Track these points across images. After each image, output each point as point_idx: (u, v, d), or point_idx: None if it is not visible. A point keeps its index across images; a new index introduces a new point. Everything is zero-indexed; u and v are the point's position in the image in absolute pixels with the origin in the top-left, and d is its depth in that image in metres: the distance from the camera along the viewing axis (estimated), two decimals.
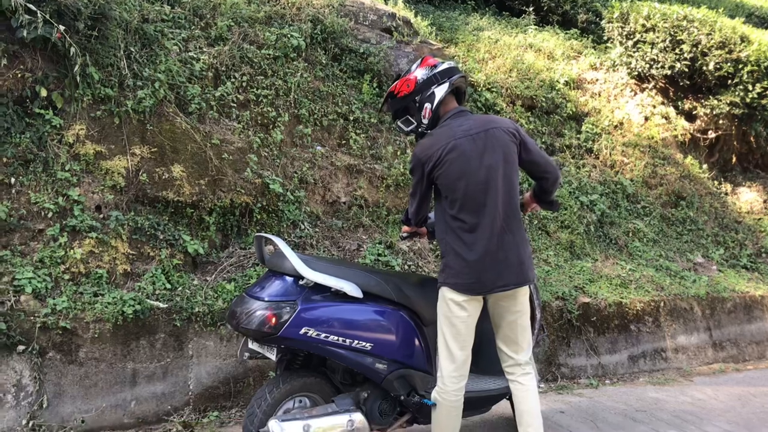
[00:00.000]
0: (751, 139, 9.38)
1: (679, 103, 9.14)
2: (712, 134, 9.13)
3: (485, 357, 3.46)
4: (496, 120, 3.12)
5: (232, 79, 5.68)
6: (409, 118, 3.24)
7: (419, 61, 3.28)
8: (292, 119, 5.91)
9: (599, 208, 7.38)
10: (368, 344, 3.15)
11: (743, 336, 6.84)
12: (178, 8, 5.89)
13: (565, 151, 7.97)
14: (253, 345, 3.23)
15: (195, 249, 4.65)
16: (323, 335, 3.04)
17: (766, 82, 8.34)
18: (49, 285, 3.94)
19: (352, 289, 3.16)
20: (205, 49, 5.70)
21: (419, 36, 7.74)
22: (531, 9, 10.20)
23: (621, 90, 9.26)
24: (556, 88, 8.52)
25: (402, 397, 3.27)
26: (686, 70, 8.59)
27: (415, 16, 8.44)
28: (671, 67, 8.64)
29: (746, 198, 9.20)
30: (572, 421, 4.40)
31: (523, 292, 3.05)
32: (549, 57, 9.23)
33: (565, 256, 6.67)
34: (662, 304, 6.34)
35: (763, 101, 8.42)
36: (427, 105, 3.14)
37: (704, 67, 8.50)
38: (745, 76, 8.38)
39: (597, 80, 9.29)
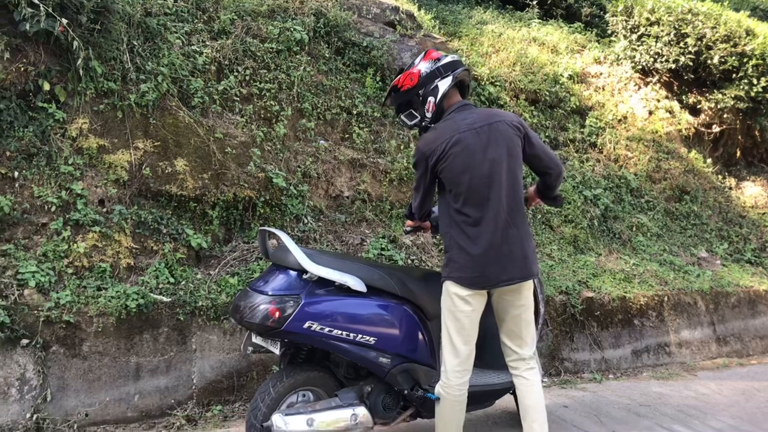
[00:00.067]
0: (756, 133, 9.35)
1: (684, 97, 9.10)
2: (716, 128, 9.09)
3: (489, 351, 3.45)
4: (500, 114, 3.10)
5: (235, 73, 5.67)
6: (413, 111, 3.23)
7: (423, 54, 3.27)
8: (295, 113, 5.90)
9: (603, 203, 7.36)
10: (372, 338, 3.14)
11: (747, 331, 6.83)
12: (181, 1, 5.86)
13: (568, 145, 7.94)
14: (256, 339, 3.23)
15: (198, 243, 4.64)
16: (327, 329, 3.03)
17: None
18: (52, 279, 3.94)
19: (355, 284, 3.15)
20: (208, 43, 5.68)
21: (422, 29, 7.71)
22: (535, 2, 10.15)
23: (625, 84, 9.22)
24: (560, 82, 8.49)
25: (406, 392, 3.27)
26: (691, 63, 8.55)
27: (419, 9, 8.41)
28: (675, 61, 8.59)
29: (750, 192, 9.16)
30: (576, 416, 4.40)
31: (528, 287, 3.04)
32: (553, 51, 9.19)
33: (568, 251, 6.66)
34: (666, 298, 6.33)
35: None
36: (431, 98, 3.12)
37: (709, 61, 8.46)
38: (750, 69, 8.33)
39: (601, 74, 9.26)
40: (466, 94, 3.28)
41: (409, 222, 3.60)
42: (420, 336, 3.34)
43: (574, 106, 8.31)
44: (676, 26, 8.58)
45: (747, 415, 4.59)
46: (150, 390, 4.04)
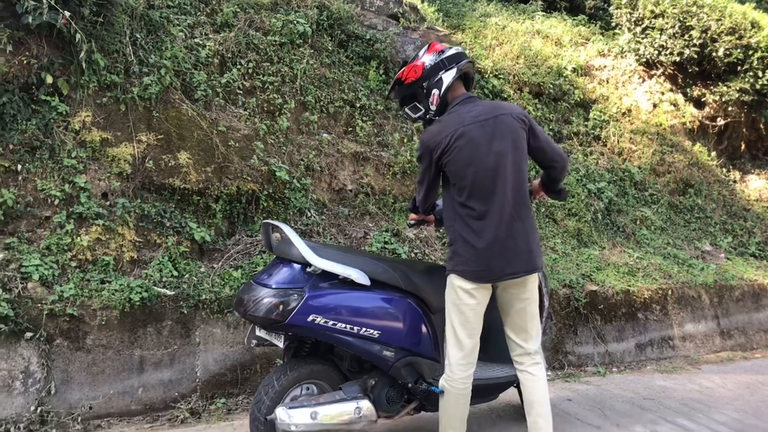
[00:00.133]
0: (761, 126, 9.31)
1: (688, 90, 9.06)
2: (721, 121, 9.06)
3: (493, 344, 3.44)
4: (505, 106, 3.09)
5: (238, 66, 5.65)
6: (417, 104, 3.21)
7: (426, 46, 3.24)
8: (298, 106, 5.88)
9: (607, 196, 7.34)
10: (376, 332, 3.14)
11: (751, 324, 6.81)
12: None
13: (572, 139, 7.91)
14: (260, 332, 3.23)
15: (202, 236, 4.64)
16: (331, 323, 3.03)
17: None
18: (56, 272, 3.94)
19: (359, 277, 3.14)
20: (210, 36, 5.66)
21: (426, 22, 7.69)
22: None
23: (629, 77, 9.19)
24: (564, 74, 8.46)
25: (409, 385, 3.26)
26: (695, 56, 8.51)
27: (422, 2, 8.38)
28: (680, 54, 8.55)
29: (755, 185, 9.13)
30: (580, 409, 4.40)
31: (533, 280, 3.02)
32: (556, 43, 9.16)
33: (572, 244, 6.64)
34: (670, 292, 6.31)
35: None
36: (435, 91, 3.10)
37: (713, 54, 8.42)
38: (755, 62, 8.29)
39: (605, 67, 9.22)
40: (470, 87, 3.26)
41: (412, 215, 3.59)
42: (424, 329, 3.33)
43: (578, 99, 8.28)
44: (681, 18, 8.53)
45: (751, 409, 4.58)
46: (154, 383, 4.04)
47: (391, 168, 6.03)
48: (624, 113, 8.66)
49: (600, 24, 10.15)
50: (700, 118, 9.01)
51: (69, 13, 4.28)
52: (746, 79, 8.38)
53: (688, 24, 8.49)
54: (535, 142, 3.04)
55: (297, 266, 3.12)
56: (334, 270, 3.08)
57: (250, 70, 5.70)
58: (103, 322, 3.90)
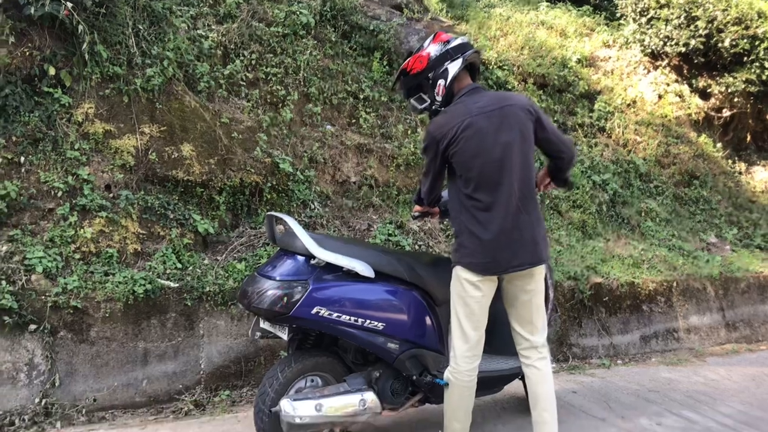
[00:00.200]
0: (767, 117, 9.24)
1: (693, 81, 9.00)
2: (726, 112, 9.01)
3: (498, 337, 3.42)
4: (512, 97, 3.05)
5: (241, 57, 5.63)
6: (422, 95, 3.17)
7: (431, 37, 3.21)
8: (301, 98, 5.86)
9: (611, 188, 7.31)
10: (380, 324, 3.12)
11: (757, 316, 6.79)
12: None
13: (577, 130, 7.88)
14: (264, 324, 3.21)
15: (205, 228, 4.63)
16: (335, 315, 3.01)
17: None
18: (59, 264, 3.93)
19: (363, 269, 3.13)
20: (213, 27, 5.64)
21: (430, 13, 7.65)
22: None
23: (634, 68, 9.14)
24: (569, 65, 8.42)
25: (414, 377, 3.25)
26: (701, 47, 8.45)
27: None
28: (686, 44, 8.50)
29: (761, 177, 9.09)
30: (585, 401, 4.38)
31: (539, 272, 3.00)
32: (561, 34, 9.11)
33: (577, 236, 6.62)
34: (675, 284, 6.29)
35: None
36: (441, 82, 3.07)
37: (720, 44, 8.36)
38: (762, 52, 8.24)
39: (610, 58, 9.17)
40: (476, 77, 3.23)
41: (417, 207, 3.56)
42: (428, 321, 3.32)
43: (583, 91, 8.24)
44: (687, 9, 8.48)
45: (757, 401, 4.56)
46: (158, 375, 4.04)
47: (394, 160, 6.01)
48: (629, 104, 8.62)
49: (605, 14, 10.10)
50: (705, 110, 8.96)
51: (71, 4, 4.25)
52: (752, 70, 8.33)
53: (693, 14, 8.44)
54: (542, 134, 3.01)
55: (301, 258, 3.10)
56: (338, 262, 3.06)
57: (253, 62, 5.67)
58: (107, 315, 3.90)
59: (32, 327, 3.66)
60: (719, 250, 7.37)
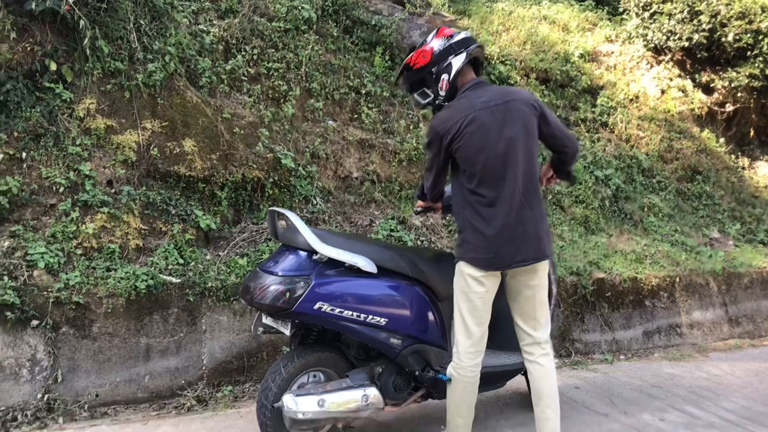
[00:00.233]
0: None
1: (697, 75, 8.97)
2: (729, 107, 8.97)
3: (501, 333, 3.42)
4: (516, 92, 3.04)
5: (243, 53, 5.61)
6: (426, 90, 3.16)
7: (435, 31, 3.19)
8: (303, 93, 5.84)
9: (614, 183, 7.29)
10: (383, 319, 3.11)
11: (760, 311, 6.78)
12: None
13: (579, 125, 7.86)
14: (267, 320, 3.21)
15: (207, 224, 4.62)
16: (337, 310, 3.01)
17: None
18: (61, 260, 3.93)
19: (366, 264, 3.12)
20: (215, 22, 5.62)
21: (432, 7, 7.61)
22: None
23: (637, 63, 9.10)
24: (571, 60, 8.39)
25: (417, 373, 3.25)
26: (704, 41, 8.41)
27: None
28: (689, 39, 8.46)
29: (764, 172, 9.06)
30: (587, 397, 4.38)
31: (542, 267, 2.99)
32: (564, 29, 9.08)
33: (579, 231, 6.61)
34: (677, 279, 6.27)
35: None
36: (444, 76, 3.05)
37: (723, 39, 8.32)
38: (765, 47, 8.20)
39: (612, 53, 9.14)
40: (479, 72, 3.21)
41: (419, 202, 3.55)
42: (431, 317, 3.31)
43: (585, 85, 8.21)
44: (690, 3, 8.44)
45: (760, 396, 4.55)
46: (160, 371, 4.04)
47: (397, 155, 5.99)
48: (632, 99, 8.59)
49: (607, 9, 10.06)
50: (708, 105, 8.93)
51: None
52: (756, 65, 8.29)
53: (697, 9, 8.39)
54: (546, 129, 2.99)
55: (303, 254, 3.09)
56: (341, 257, 3.06)
57: (254, 57, 5.66)
58: (109, 310, 3.89)
59: (34, 323, 3.66)
60: (722, 246, 7.36)
